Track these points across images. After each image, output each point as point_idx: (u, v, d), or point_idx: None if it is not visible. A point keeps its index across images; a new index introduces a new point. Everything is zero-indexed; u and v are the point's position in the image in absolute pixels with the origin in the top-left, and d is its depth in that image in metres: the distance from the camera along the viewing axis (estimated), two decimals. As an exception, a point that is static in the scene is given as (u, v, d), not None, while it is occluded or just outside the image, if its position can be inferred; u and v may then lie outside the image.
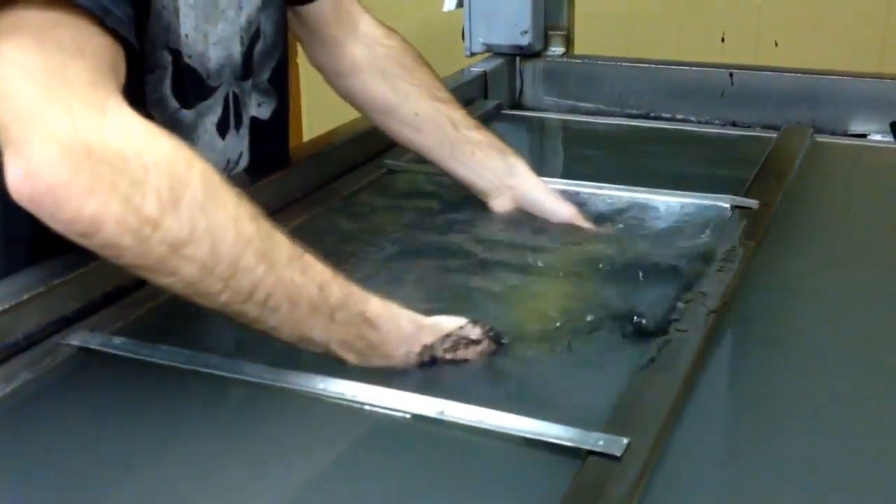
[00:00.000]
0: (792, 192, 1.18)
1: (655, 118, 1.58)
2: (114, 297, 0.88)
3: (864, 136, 1.47)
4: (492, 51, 1.68)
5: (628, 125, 1.54)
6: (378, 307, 0.78)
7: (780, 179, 1.20)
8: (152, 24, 0.91)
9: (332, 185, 1.20)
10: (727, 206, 1.10)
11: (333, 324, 0.75)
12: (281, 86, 1.10)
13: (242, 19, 1.01)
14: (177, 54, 0.94)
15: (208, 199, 0.69)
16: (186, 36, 0.94)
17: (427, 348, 0.79)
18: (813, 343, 0.87)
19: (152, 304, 0.88)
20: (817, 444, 0.72)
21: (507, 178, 1.12)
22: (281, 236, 0.74)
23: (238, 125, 1.05)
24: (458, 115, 1.13)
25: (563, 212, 1.10)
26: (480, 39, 1.67)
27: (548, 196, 1.12)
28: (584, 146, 1.54)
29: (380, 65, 1.13)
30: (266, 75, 1.08)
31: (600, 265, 0.99)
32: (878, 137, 1.46)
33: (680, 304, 0.86)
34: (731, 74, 1.56)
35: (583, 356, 0.83)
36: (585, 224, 1.09)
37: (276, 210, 1.09)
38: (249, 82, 1.05)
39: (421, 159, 1.18)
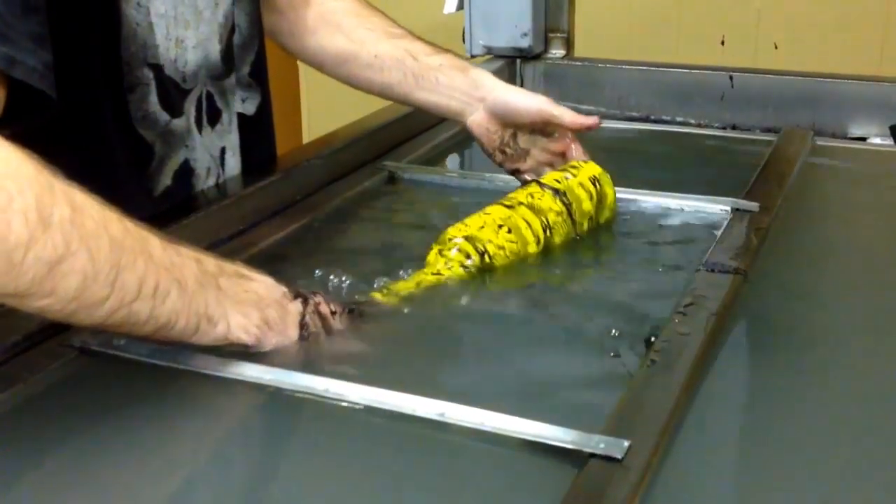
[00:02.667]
0: (792, 194, 1.18)
1: (656, 121, 1.58)
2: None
3: (863, 139, 1.47)
4: (492, 53, 1.68)
5: (629, 128, 1.54)
6: (239, 264, 0.80)
7: (781, 182, 1.20)
8: (128, 45, 0.92)
9: (330, 189, 1.19)
10: (728, 208, 1.10)
11: (222, 291, 0.75)
12: (262, 79, 1.11)
13: (220, 16, 1.01)
14: (157, 69, 0.95)
15: (76, 214, 0.66)
16: (157, 46, 0.95)
17: (285, 283, 0.81)
18: (814, 345, 0.87)
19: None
20: (821, 445, 0.72)
21: (474, 91, 1.12)
22: (148, 229, 0.72)
23: (213, 122, 1.05)
24: (415, 46, 1.14)
25: (534, 104, 1.11)
26: (481, 42, 1.67)
27: (516, 95, 1.12)
28: (584, 148, 1.53)
29: (334, 19, 1.14)
30: (246, 69, 1.08)
31: (591, 271, 0.99)
32: (878, 141, 1.46)
33: (681, 307, 0.86)
34: (731, 77, 1.56)
35: (587, 357, 0.83)
36: (558, 110, 1.10)
37: (272, 214, 1.10)
38: (233, 78, 1.05)
39: (422, 160, 1.18)
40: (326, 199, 1.16)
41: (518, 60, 1.67)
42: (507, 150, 1.12)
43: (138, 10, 0.92)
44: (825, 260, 1.06)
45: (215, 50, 1.02)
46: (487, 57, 1.68)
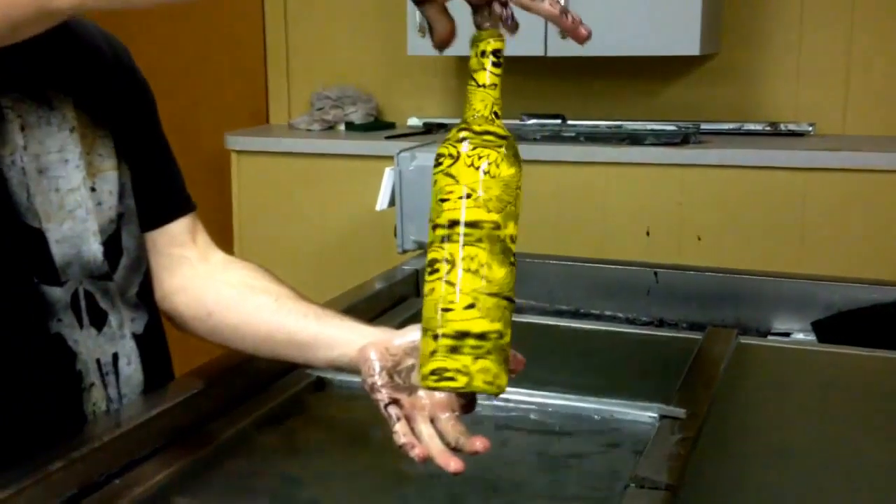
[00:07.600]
0: (719, 397, 1.18)
1: (584, 315, 1.60)
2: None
3: (787, 335, 1.50)
4: (423, 248, 1.70)
5: (557, 324, 1.54)
6: None
7: (707, 386, 1.20)
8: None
9: (255, 400, 1.16)
10: (655, 416, 1.10)
11: None
12: (149, 301, 1.10)
13: (93, 222, 1.01)
14: (32, 230, 0.95)
15: None
16: (31, 207, 0.96)
17: None
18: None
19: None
20: None
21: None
22: None
23: (99, 324, 1.02)
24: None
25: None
26: (412, 237, 1.70)
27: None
28: (513, 346, 1.53)
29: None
30: (134, 290, 1.07)
31: (517, 485, 0.97)
32: (800, 336, 1.49)
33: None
34: (655, 273, 1.60)
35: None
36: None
37: (196, 427, 1.06)
38: (113, 284, 1.03)
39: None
40: (242, 415, 1.12)
41: (448, 255, 1.69)
42: (397, 377, 0.92)
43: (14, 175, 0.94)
44: (754, 467, 1.06)
45: (90, 251, 1.01)
46: (419, 252, 1.70)
